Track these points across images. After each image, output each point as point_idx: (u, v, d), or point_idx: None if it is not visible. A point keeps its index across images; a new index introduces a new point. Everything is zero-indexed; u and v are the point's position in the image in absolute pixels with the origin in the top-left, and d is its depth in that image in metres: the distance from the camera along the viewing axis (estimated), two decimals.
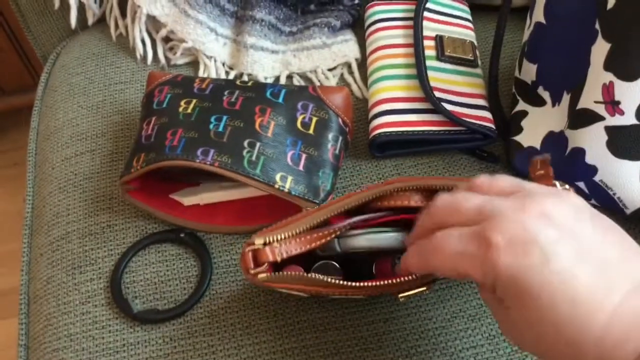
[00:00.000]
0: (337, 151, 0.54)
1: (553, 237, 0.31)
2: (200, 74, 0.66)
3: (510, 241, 0.31)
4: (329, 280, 0.40)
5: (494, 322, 0.48)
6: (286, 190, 0.50)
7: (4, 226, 1.18)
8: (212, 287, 0.52)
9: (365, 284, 0.40)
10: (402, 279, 0.40)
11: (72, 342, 0.50)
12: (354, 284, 0.40)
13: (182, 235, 0.55)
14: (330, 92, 0.55)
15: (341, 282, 0.40)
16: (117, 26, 0.70)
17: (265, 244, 0.41)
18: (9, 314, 1.06)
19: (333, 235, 0.42)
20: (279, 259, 0.40)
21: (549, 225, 0.31)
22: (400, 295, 0.41)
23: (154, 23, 0.68)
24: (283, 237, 0.41)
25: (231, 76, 0.66)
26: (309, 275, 0.41)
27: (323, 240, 0.42)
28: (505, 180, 0.36)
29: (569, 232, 0.31)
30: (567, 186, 0.39)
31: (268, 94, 0.53)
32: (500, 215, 0.32)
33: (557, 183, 0.39)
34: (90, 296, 0.52)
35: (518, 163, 0.55)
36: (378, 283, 0.40)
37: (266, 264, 0.40)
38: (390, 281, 0.40)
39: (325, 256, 0.44)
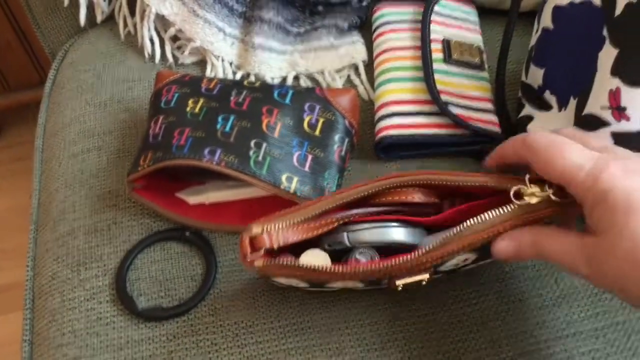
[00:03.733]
0: (343, 152, 0.54)
1: None
2: (208, 73, 0.66)
3: (626, 168, 0.36)
4: (317, 266, 0.41)
5: (496, 327, 0.49)
6: (292, 191, 0.51)
7: (9, 221, 1.18)
8: (216, 286, 0.52)
9: (358, 268, 0.41)
10: (401, 259, 0.40)
11: (76, 338, 0.50)
12: (341, 268, 0.41)
13: (187, 233, 0.55)
14: (337, 93, 0.55)
15: (330, 267, 0.41)
16: (125, 24, 0.70)
17: (262, 232, 0.41)
18: (13, 307, 1.06)
19: (333, 225, 0.43)
20: (275, 245, 0.41)
21: None
22: (398, 282, 0.41)
23: (162, 22, 0.68)
24: (281, 225, 0.41)
25: (238, 76, 0.66)
26: (298, 261, 0.41)
27: (321, 230, 0.42)
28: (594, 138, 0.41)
29: None
30: None
31: (275, 95, 0.54)
32: (617, 150, 0.39)
33: None
34: (95, 293, 0.53)
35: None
36: (373, 266, 0.40)
37: (263, 250, 0.41)
38: (388, 263, 0.40)
39: (331, 250, 0.45)
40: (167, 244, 0.55)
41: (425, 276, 0.42)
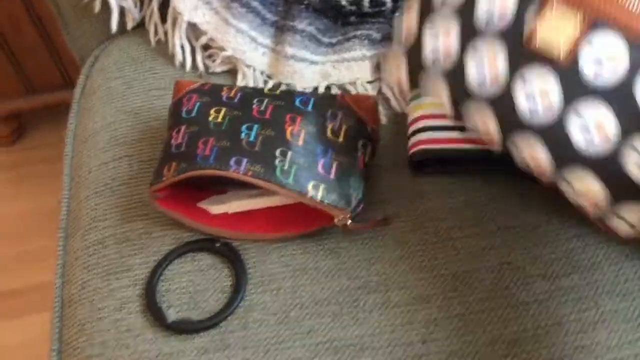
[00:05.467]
0: (366, 158, 0.54)
1: None
2: (239, 82, 0.65)
3: None
4: None
5: (534, 349, 0.47)
6: (318, 199, 0.50)
7: (32, 223, 1.19)
8: (247, 298, 0.52)
9: None
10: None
11: (106, 350, 0.50)
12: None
13: (217, 244, 0.54)
14: (359, 100, 0.54)
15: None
16: (156, 32, 0.70)
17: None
18: (39, 308, 1.06)
19: None
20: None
21: None
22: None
23: (193, 30, 0.68)
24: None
25: (269, 85, 0.65)
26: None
27: None
28: None
29: None
30: None
31: (297, 102, 0.53)
32: None
33: None
34: (124, 303, 0.52)
35: None
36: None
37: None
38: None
39: None
40: (197, 255, 0.54)
41: None
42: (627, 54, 0.41)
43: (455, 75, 0.46)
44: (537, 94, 0.43)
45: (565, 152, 0.43)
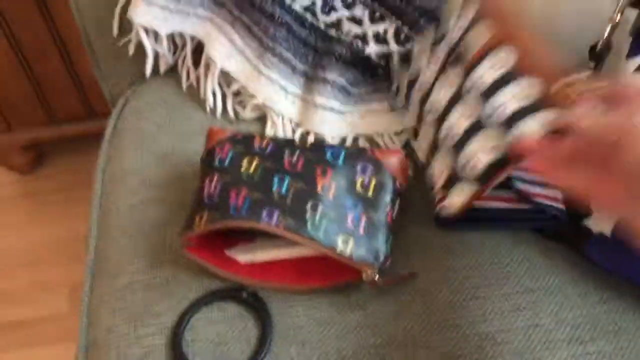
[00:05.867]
0: (394, 214, 0.55)
1: None
2: (268, 129, 0.67)
3: None
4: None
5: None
6: (347, 255, 0.51)
7: (43, 254, 1.19)
8: (272, 350, 0.52)
9: None
10: None
11: None
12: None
13: (244, 294, 0.55)
14: (387, 154, 0.55)
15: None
16: (188, 76, 0.72)
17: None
18: (53, 339, 1.06)
19: None
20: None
21: None
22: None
23: (225, 77, 0.69)
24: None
25: (298, 134, 0.66)
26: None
27: None
28: None
29: None
30: None
31: (328, 155, 0.54)
32: None
33: None
34: (150, 351, 0.52)
35: (588, 248, 0.54)
36: None
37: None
38: None
39: None
40: (223, 304, 0.55)
41: None
42: None
43: None
44: None
45: None
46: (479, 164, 0.53)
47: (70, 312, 1.10)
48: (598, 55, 0.52)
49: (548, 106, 0.50)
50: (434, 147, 0.59)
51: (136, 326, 0.54)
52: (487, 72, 0.55)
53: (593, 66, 0.53)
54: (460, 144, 0.55)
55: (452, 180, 0.57)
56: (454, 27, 0.60)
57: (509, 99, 0.52)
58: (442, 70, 0.60)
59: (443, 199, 0.57)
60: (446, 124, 0.57)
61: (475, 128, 0.54)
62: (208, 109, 0.69)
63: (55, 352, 1.04)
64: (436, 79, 0.60)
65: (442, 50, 0.61)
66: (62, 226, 1.23)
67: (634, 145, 0.33)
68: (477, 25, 0.57)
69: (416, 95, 0.63)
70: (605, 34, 0.51)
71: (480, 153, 0.53)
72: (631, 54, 0.52)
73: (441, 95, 0.59)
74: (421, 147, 0.62)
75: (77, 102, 1.22)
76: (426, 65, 0.62)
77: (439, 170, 0.58)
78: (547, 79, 0.51)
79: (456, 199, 0.56)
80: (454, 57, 0.59)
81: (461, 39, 0.58)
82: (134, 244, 0.59)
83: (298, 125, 0.67)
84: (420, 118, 0.63)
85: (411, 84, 0.64)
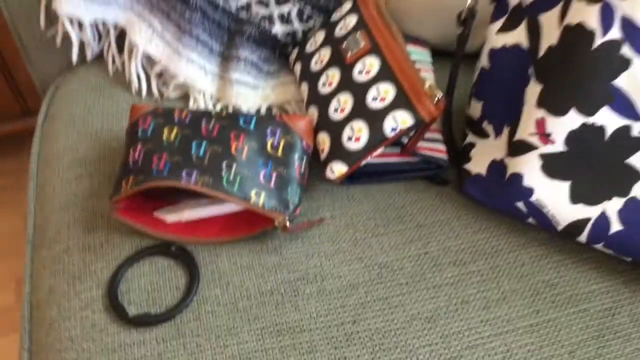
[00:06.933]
0: (302, 170, 0.62)
1: None
2: (191, 106, 0.73)
3: None
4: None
5: (446, 324, 0.56)
6: (260, 205, 0.58)
7: None
8: (200, 294, 0.58)
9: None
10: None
11: (74, 344, 0.56)
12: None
13: (172, 248, 0.61)
14: (295, 119, 0.63)
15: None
16: (114, 62, 0.77)
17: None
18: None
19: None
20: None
21: None
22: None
23: (148, 60, 0.75)
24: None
25: (217, 108, 0.73)
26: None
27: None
28: None
29: None
30: None
31: (241, 122, 0.61)
32: None
33: None
34: (89, 303, 0.58)
35: (468, 187, 0.63)
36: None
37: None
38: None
39: None
40: (154, 258, 0.61)
41: None
42: None
43: None
44: None
45: None
46: (361, 140, 0.61)
47: (18, 304, 1.13)
48: (464, 21, 0.61)
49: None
50: (321, 120, 0.66)
51: (74, 284, 0.60)
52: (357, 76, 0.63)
53: (460, 31, 0.62)
54: (345, 122, 0.63)
55: (334, 149, 0.63)
56: (341, 23, 0.68)
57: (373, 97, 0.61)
58: (326, 66, 0.67)
59: (325, 166, 0.64)
60: (332, 106, 0.64)
61: (354, 114, 0.63)
62: (134, 90, 0.75)
63: (4, 343, 1.07)
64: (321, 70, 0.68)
65: (322, 36, 0.69)
66: (4, 223, 1.26)
67: None
68: (359, 31, 0.65)
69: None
70: (468, 2, 0.60)
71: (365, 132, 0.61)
72: (493, 18, 0.62)
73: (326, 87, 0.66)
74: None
75: (12, 102, 1.24)
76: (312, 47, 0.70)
77: (322, 140, 0.65)
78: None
79: (341, 167, 0.63)
80: (336, 56, 0.66)
81: (344, 38, 0.66)
82: (70, 215, 0.65)
83: (218, 100, 0.74)
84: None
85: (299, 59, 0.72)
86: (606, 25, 0.50)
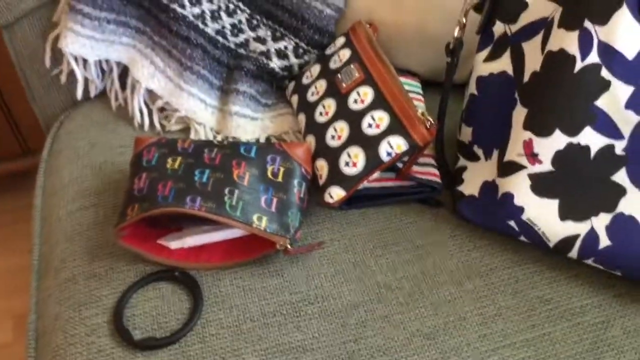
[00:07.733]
0: (302, 195, 0.64)
1: None
2: (192, 138, 0.76)
3: None
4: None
5: (445, 340, 0.57)
6: (262, 228, 0.60)
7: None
8: (203, 317, 0.60)
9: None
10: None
11: None
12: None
13: (176, 274, 0.63)
14: (294, 147, 0.65)
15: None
16: (116, 98, 0.80)
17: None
18: None
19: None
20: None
21: None
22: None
23: (150, 95, 0.78)
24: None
25: (218, 138, 0.76)
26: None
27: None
28: None
29: None
30: None
31: (242, 150, 0.64)
32: None
33: None
34: (95, 329, 0.59)
35: (461, 208, 0.66)
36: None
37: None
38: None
39: None
40: (158, 284, 0.62)
41: None
42: None
43: None
44: None
45: None
46: (358, 165, 0.64)
47: (16, 341, 1.13)
48: (452, 51, 0.65)
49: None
50: (318, 147, 0.69)
51: (80, 310, 0.61)
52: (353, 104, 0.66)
53: (449, 60, 0.65)
54: (342, 148, 0.66)
55: (332, 175, 0.66)
56: (335, 57, 0.72)
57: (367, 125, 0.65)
58: (322, 97, 0.71)
59: (323, 191, 0.66)
60: (329, 134, 0.68)
61: (350, 141, 0.66)
62: (136, 124, 0.77)
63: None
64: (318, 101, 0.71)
65: (318, 69, 0.73)
66: (3, 261, 1.26)
67: None
68: (353, 63, 0.69)
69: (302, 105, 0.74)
70: (455, 34, 0.64)
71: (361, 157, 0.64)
72: (479, 48, 0.65)
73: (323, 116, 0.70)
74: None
75: (12, 141, 1.26)
76: (307, 80, 0.73)
77: (320, 167, 0.67)
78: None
79: (339, 192, 0.66)
80: (332, 87, 0.70)
81: (339, 70, 0.70)
82: (75, 245, 0.66)
83: (218, 132, 0.77)
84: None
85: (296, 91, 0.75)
86: (585, 51, 0.54)
